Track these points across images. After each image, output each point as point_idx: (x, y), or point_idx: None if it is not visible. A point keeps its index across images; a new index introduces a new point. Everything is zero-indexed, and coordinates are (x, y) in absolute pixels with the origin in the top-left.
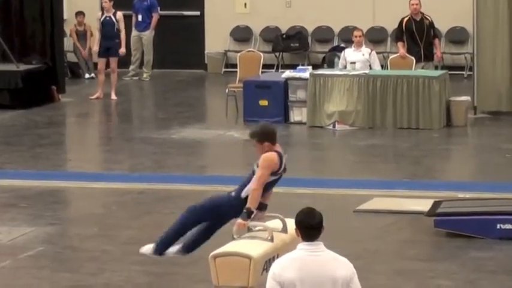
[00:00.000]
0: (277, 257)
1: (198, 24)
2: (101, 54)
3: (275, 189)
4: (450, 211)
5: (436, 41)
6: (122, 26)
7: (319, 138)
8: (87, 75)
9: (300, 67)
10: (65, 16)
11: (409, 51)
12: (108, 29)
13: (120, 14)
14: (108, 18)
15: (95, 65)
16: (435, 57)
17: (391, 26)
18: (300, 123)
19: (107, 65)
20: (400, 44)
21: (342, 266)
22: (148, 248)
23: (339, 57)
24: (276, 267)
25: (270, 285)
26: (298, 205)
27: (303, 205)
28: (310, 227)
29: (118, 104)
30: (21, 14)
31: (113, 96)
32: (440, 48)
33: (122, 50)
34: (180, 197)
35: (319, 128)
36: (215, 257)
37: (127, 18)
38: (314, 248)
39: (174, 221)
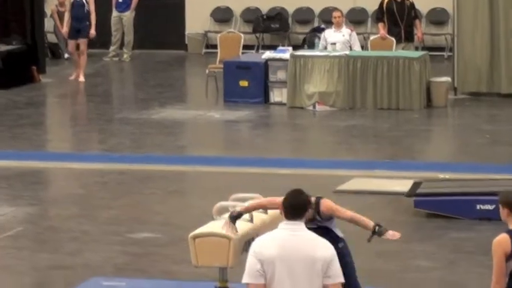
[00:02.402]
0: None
1: (179, 4)
2: (71, 36)
3: (255, 170)
4: (430, 191)
5: (417, 22)
6: (92, 7)
7: (299, 119)
8: (66, 56)
9: (280, 48)
10: None
11: (389, 32)
12: (77, 10)
13: None
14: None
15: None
16: (416, 38)
17: (371, 7)
18: (280, 103)
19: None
20: (380, 25)
21: (322, 247)
22: None
23: (319, 38)
24: (256, 245)
25: (251, 263)
26: (278, 186)
27: (283, 186)
28: (291, 206)
29: (98, 85)
30: None
31: (81, 78)
32: (421, 29)
33: (92, 32)
34: (160, 177)
35: (299, 109)
36: (194, 237)
37: None
38: (295, 228)
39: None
